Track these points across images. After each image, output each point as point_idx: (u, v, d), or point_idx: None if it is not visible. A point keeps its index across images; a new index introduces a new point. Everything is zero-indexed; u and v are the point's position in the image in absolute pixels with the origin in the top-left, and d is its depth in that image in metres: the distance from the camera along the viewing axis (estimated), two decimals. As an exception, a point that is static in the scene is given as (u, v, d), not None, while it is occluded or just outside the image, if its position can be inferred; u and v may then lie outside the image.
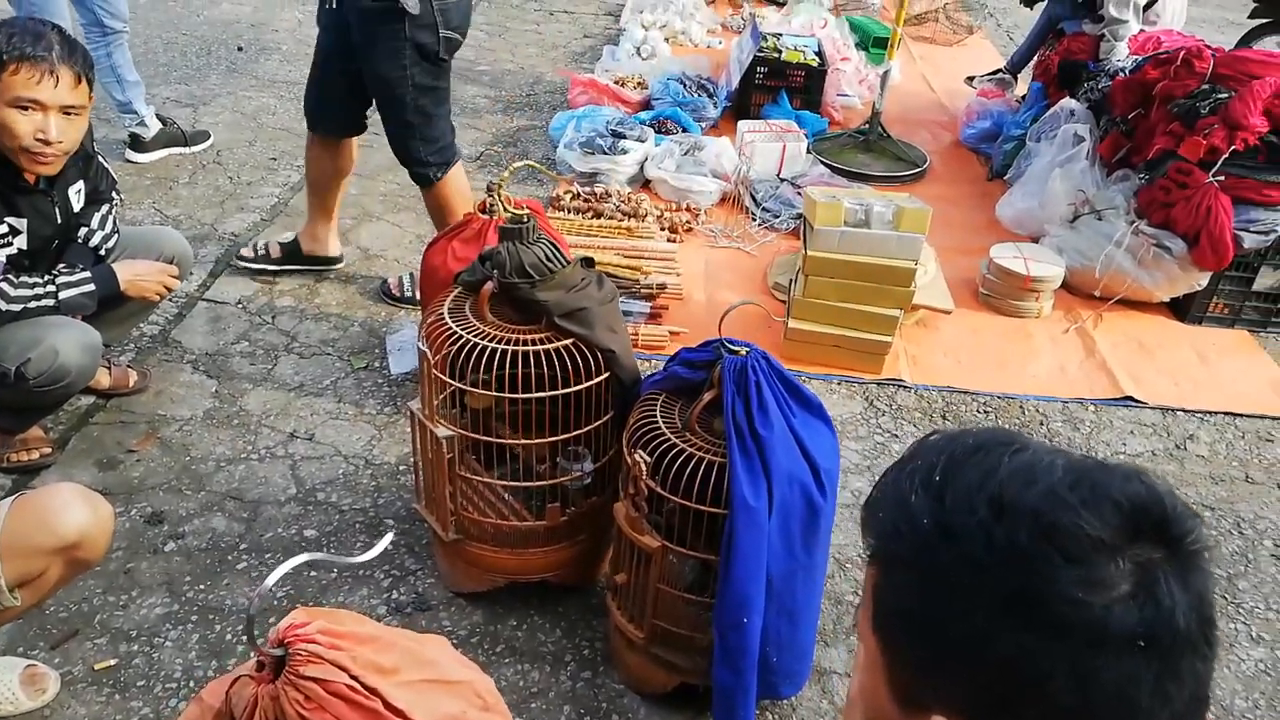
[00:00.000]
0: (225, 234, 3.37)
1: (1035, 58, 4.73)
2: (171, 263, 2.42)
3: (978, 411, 2.80)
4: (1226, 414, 2.84)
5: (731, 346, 1.62)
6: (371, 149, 4.08)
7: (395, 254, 3.34)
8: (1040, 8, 4.77)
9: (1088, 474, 0.62)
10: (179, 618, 1.97)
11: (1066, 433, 2.72)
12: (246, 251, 3.13)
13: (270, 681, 0.93)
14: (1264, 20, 4.73)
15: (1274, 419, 2.84)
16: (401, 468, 2.41)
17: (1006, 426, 2.69)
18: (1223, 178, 3.04)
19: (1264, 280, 3.20)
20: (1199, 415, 2.84)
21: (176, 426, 2.49)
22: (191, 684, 1.83)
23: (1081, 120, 3.69)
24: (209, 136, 3.91)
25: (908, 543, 0.66)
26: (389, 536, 1.10)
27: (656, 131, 4.05)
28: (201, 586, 2.05)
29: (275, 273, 3.10)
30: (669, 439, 1.63)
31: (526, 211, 1.82)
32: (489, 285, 1.80)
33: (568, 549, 1.96)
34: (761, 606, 1.57)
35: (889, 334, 2.80)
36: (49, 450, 2.33)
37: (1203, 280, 3.17)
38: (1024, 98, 4.64)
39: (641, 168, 3.84)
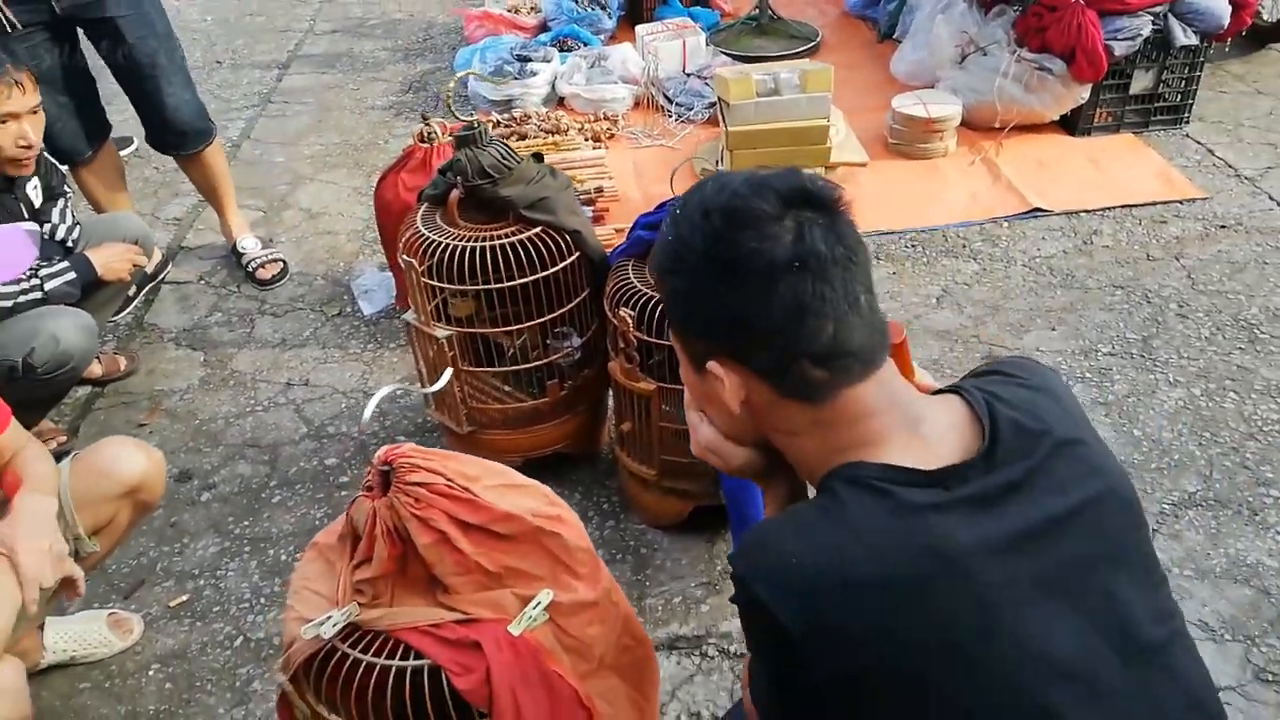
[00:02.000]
0: (169, 219, 3.45)
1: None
2: (135, 244, 2.53)
3: (906, 246, 3.06)
4: (1123, 207, 3.15)
5: (685, 200, 1.82)
6: (285, 117, 4.17)
7: (338, 208, 3.45)
8: None
9: (757, 176, 0.91)
10: (233, 552, 2.15)
11: (987, 249, 3.00)
12: (264, 274, 3.06)
13: (382, 495, 1.13)
14: None
15: (1164, 203, 3.16)
16: (398, 392, 2.59)
17: (928, 254, 2.97)
18: (1086, -5, 3.30)
19: (1138, 83, 3.49)
20: (1099, 213, 3.14)
21: (177, 397, 2.62)
22: (261, 600, 2.03)
23: (954, -33, 3.90)
24: (132, 141, 3.91)
25: (664, 257, 0.95)
26: (449, 372, 1.29)
27: (559, 50, 4.17)
28: (245, 523, 2.22)
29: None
30: (646, 293, 1.84)
31: (474, 120, 1.98)
32: (455, 192, 1.97)
33: (572, 420, 2.17)
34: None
35: (815, 191, 3.02)
36: (64, 438, 2.45)
37: (1085, 94, 3.45)
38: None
39: (553, 86, 3.97)
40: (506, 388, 2.22)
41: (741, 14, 4.71)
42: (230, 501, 2.28)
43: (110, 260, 2.40)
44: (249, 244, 3.12)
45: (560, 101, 3.99)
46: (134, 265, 2.48)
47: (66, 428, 2.52)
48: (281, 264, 3.09)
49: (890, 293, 2.84)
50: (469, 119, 1.94)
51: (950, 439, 0.89)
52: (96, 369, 2.64)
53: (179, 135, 2.90)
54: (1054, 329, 2.65)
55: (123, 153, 3.86)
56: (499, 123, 3.78)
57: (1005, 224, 3.12)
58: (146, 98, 2.80)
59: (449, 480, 1.14)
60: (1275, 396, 2.36)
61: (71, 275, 2.29)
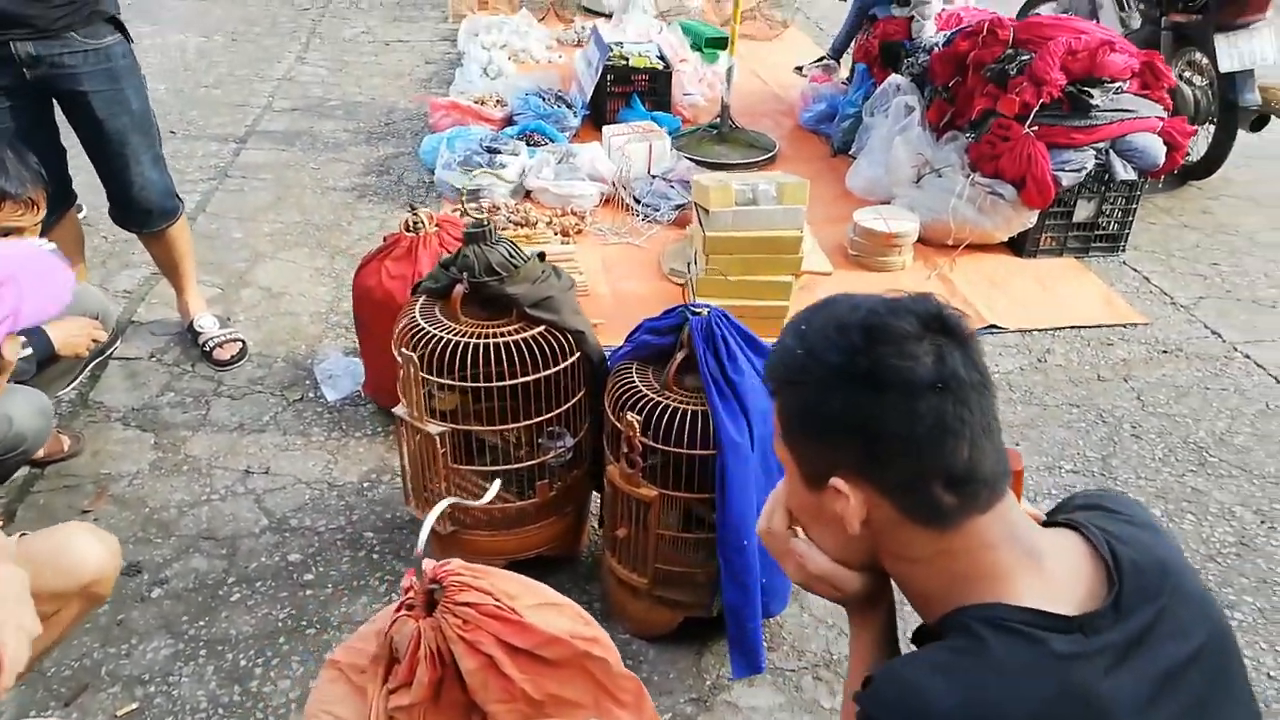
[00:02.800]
0: (118, 291, 3.31)
1: (853, 43, 5.20)
2: (96, 319, 2.42)
3: (871, 356, 3.12)
4: (1072, 328, 3.30)
5: (695, 309, 1.83)
6: (243, 193, 4.09)
7: (299, 288, 3.37)
8: (851, -2, 5.25)
9: (892, 299, 0.95)
10: (187, 655, 2.00)
11: (948, 363, 3.09)
12: (222, 354, 2.95)
13: (425, 614, 1.07)
14: (1035, -8, 5.41)
15: (1109, 326, 3.32)
16: (365, 485, 2.49)
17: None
18: (1037, 128, 3.51)
19: (1081, 212, 3.70)
20: (1050, 332, 3.28)
21: (126, 482, 2.47)
22: (220, 710, 1.89)
23: (908, 92, 4.13)
24: (81, 208, 3.76)
25: (789, 369, 0.96)
26: (498, 482, 1.25)
27: (527, 144, 4.22)
28: (201, 623, 2.08)
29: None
30: (652, 398, 1.83)
31: (485, 216, 1.98)
32: (459, 288, 1.94)
33: (558, 522, 2.12)
34: (755, 531, 1.80)
35: (785, 299, 3.09)
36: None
37: (1033, 219, 3.64)
38: (849, 80, 5.10)
39: (520, 180, 4.01)
40: (487, 486, 2.16)
41: (701, 121, 4.87)
42: (184, 599, 2.14)
43: (69, 335, 2.29)
44: (207, 322, 3.01)
45: (527, 195, 4.02)
46: (93, 341, 2.37)
47: (1, 511, 2.34)
48: (241, 344, 2.99)
49: (859, 401, 2.89)
50: (480, 215, 1.92)
51: (1079, 579, 0.90)
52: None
53: (144, 214, 2.81)
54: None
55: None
56: (466, 211, 3.78)
57: (964, 339, 3.23)
58: (113, 176, 2.71)
59: (497, 601, 1.09)
60: (1228, 519, 2.46)
61: (28, 351, 2.16)
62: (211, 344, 2.95)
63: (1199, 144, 4.20)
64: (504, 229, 3.66)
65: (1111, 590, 0.88)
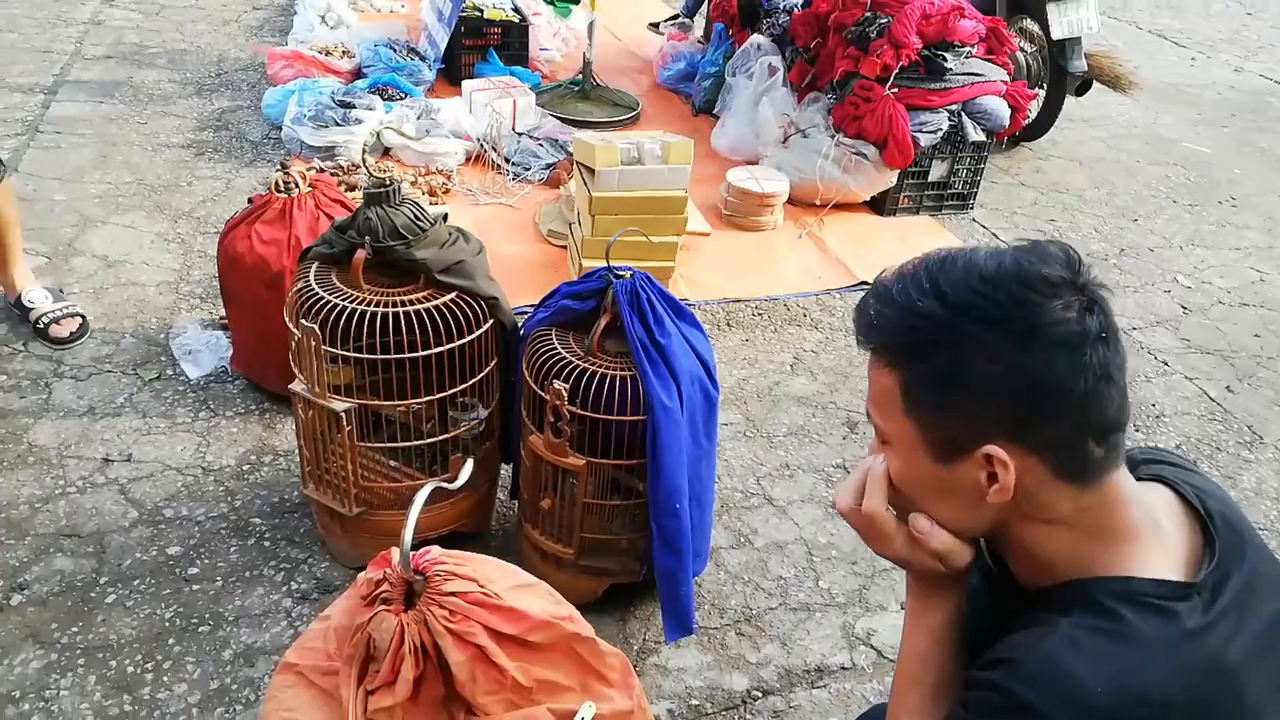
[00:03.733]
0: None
1: (706, 2, 5.21)
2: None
3: (752, 314, 3.18)
4: (934, 283, 3.46)
5: (619, 272, 1.78)
6: (60, 150, 3.68)
7: (141, 255, 3.06)
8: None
9: (1029, 246, 0.88)
10: (63, 666, 1.80)
11: (826, 319, 3.19)
12: (60, 330, 2.63)
13: (405, 610, 0.99)
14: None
15: (966, 281, 3.51)
16: (244, 468, 2.31)
17: (775, 321, 3.10)
18: (896, 90, 3.63)
19: (935, 172, 3.88)
20: (915, 287, 3.43)
21: (-41, 478, 2.18)
22: (110, 724, 1.71)
23: (770, 53, 4.18)
24: None
25: (930, 330, 0.87)
26: (470, 461, 1.16)
27: (381, 99, 3.99)
28: (74, 629, 1.87)
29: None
30: (578, 365, 1.77)
31: (388, 175, 1.84)
32: (361, 253, 1.80)
33: (470, 497, 2.04)
34: (687, 493, 1.79)
35: (671, 259, 3.08)
36: None
37: (893, 179, 3.78)
38: (703, 38, 5.11)
39: (378, 136, 3.79)
40: (393, 463, 2.05)
41: (559, 77, 4.76)
42: (50, 604, 1.92)
43: None
44: (37, 296, 2.68)
45: (386, 152, 3.81)
46: None
47: None
48: (80, 319, 2.68)
49: (747, 359, 2.93)
50: (383, 175, 1.79)
51: (1182, 538, 0.91)
52: None
53: None
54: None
55: None
56: (323, 169, 3.54)
57: (838, 295, 3.33)
58: None
59: (482, 588, 1.02)
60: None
61: None
62: (46, 320, 2.64)
63: (1032, 107, 4.48)
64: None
65: (1211, 547, 0.89)
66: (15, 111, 3.91)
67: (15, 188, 3.28)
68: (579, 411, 1.76)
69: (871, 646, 2.02)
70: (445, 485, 1.12)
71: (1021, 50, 4.45)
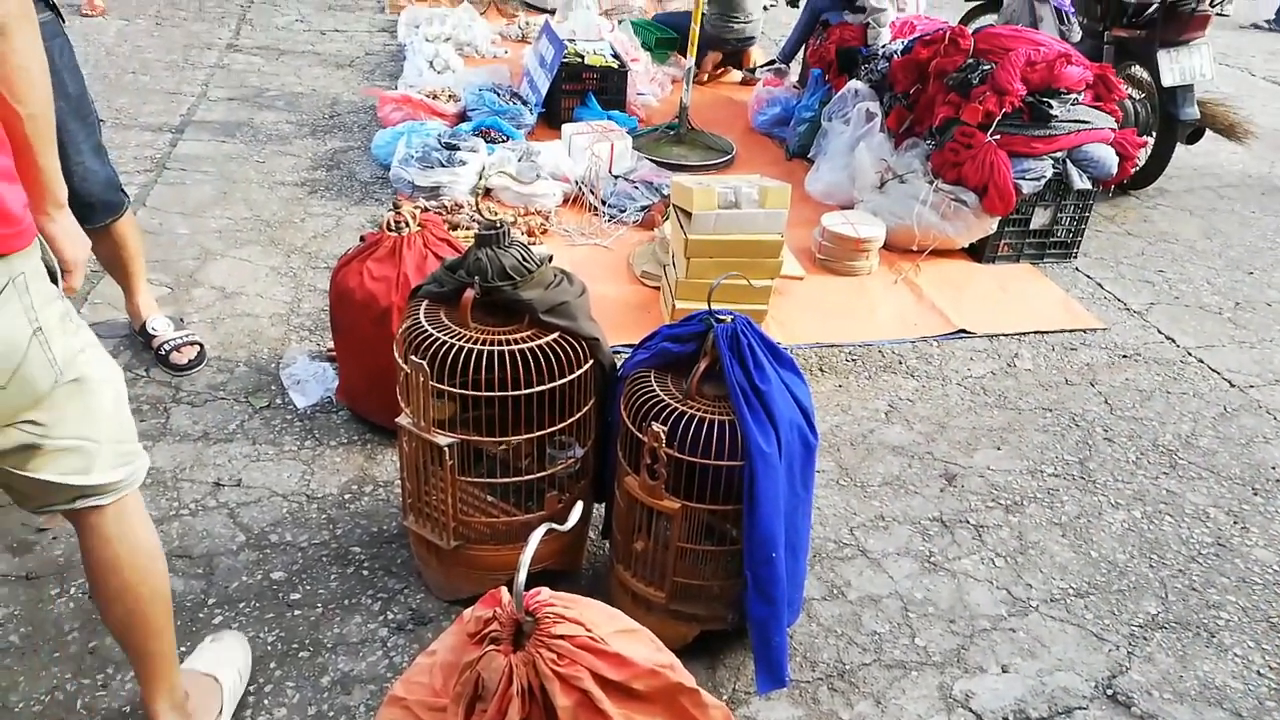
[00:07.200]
0: (58, 290, 3.08)
1: (804, 48, 5.24)
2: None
3: (846, 360, 3.14)
4: (1036, 333, 3.38)
5: (720, 316, 1.79)
6: (185, 186, 3.88)
7: (256, 288, 3.21)
8: (803, 3, 5.28)
9: None
10: (171, 684, 1.86)
11: (922, 366, 3.13)
12: (179, 358, 2.78)
13: (514, 651, 1.00)
14: (979, 2, 5.54)
15: (1069, 331, 3.41)
16: (346, 497, 2.38)
17: (869, 368, 3.06)
18: (998, 136, 3.58)
19: (1038, 220, 3.80)
20: (1016, 337, 3.35)
21: (83, 496, 2.29)
22: (214, 743, 1.76)
23: (868, 98, 4.17)
24: None
25: None
26: (580, 504, 1.18)
27: (484, 141, 4.12)
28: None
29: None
30: (676, 408, 1.78)
31: (499, 218, 1.89)
32: (469, 292, 1.85)
33: (564, 535, 2.04)
34: (783, 542, 1.77)
35: (765, 303, 3.08)
36: (-55, 543, 2.09)
37: (993, 225, 3.71)
38: (799, 84, 5.14)
39: (480, 177, 3.90)
40: (490, 498, 2.08)
41: (654, 121, 4.84)
42: (162, 622, 1.99)
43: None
44: (160, 324, 2.83)
45: (487, 193, 3.92)
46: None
47: (-54, 531, 2.15)
48: (199, 347, 2.82)
49: (840, 405, 2.89)
50: (494, 217, 1.84)
51: None
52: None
53: (86, 208, 2.61)
54: (999, 448, 2.76)
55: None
56: (427, 209, 3.66)
57: (935, 343, 3.27)
58: None
59: (589, 632, 1.02)
60: (1204, 520, 2.54)
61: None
62: (167, 347, 2.78)
63: (1140, 155, 4.36)
64: (468, 228, 3.55)
65: None
66: (145, 150, 4.16)
67: (142, 221, 3.48)
68: (676, 454, 1.76)
69: (970, 710, 1.95)
70: (556, 527, 1.14)
71: (1130, 98, 4.34)
